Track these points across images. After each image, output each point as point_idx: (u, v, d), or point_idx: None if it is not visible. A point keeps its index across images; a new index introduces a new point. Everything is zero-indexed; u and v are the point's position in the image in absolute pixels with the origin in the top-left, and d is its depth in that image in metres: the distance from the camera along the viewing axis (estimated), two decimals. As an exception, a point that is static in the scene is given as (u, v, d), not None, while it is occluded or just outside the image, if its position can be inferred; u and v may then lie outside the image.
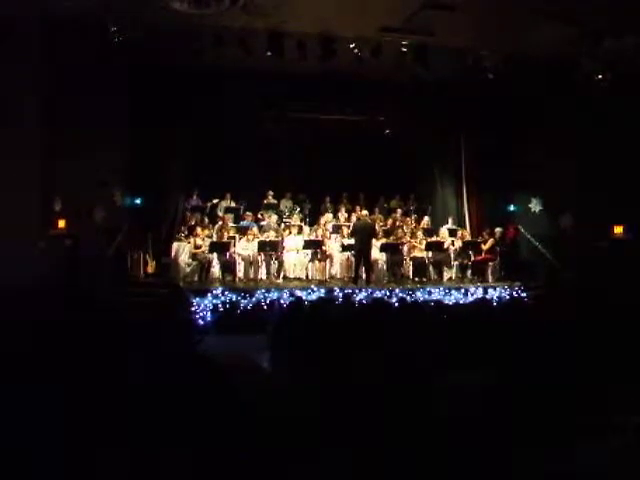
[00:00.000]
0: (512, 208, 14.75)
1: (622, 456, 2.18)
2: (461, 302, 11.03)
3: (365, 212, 13.58)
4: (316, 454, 2.20)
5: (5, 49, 9.35)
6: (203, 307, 10.21)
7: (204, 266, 12.26)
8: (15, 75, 9.46)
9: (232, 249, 12.52)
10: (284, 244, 13.03)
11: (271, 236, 13.03)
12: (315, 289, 11.10)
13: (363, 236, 12.20)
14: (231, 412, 2.27)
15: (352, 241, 12.65)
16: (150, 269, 12.74)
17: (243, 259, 12.52)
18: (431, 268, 13.36)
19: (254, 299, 10.64)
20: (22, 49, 9.53)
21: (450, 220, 14.66)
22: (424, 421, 2.44)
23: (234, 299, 10.55)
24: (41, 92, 9.80)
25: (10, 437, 2.01)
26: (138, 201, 13.12)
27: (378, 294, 11.07)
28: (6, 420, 2.07)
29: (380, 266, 13.00)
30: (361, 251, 12.20)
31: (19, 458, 1.96)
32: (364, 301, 10.34)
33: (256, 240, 12.63)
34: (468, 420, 2.39)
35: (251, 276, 12.43)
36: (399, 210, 15.29)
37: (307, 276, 12.84)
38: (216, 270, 12.50)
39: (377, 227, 13.57)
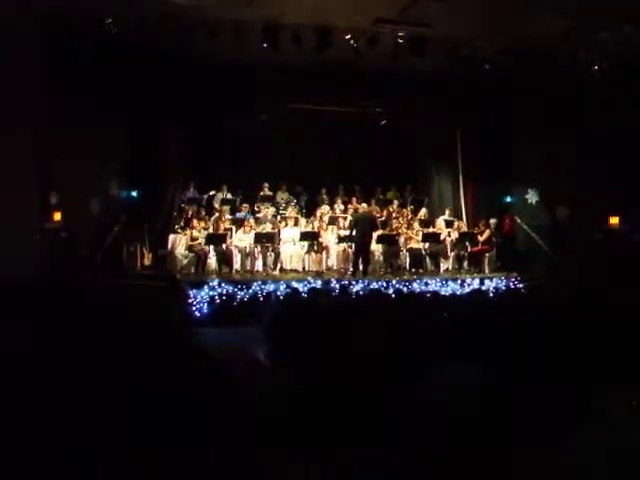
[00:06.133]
0: (509, 199, 14.77)
1: (621, 451, 2.19)
2: (458, 293, 11.04)
3: (364, 204, 13.61)
4: (316, 451, 2.21)
5: (5, 49, 9.32)
6: (200, 299, 10.21)
7: (200, 258, 12.26)
8: (14, 74, 9.43)
9: (229, 241, 12.52)
10: (280, 236, 13.04)
11: (267, 228, 13.03)
12: (312, 281, 11.10)
13: (364, 228, 12.19)
14: (231, 408, 2.28)
15: (348, 232, 12.68)
16: (147, 261, 12.74)
17: (240, 251, 12.52)
18: (428, 259, 13.38)
19: (251, 291, 10.64)
20: (21, 49, 9.51)
21: (447, 211, 14.65)
22: (424, 416, 2.45)
23: (231, 291, 10.55)
24: (39, 89, 9.78)
25: (10, 437, 2.01)
26: (134, 193, 13.10)
27: (375, 285, 11.09)
28: (6, 419, 2.07)
29: (377, 257, 13.01)
30: (361, 243, 12.19)
31: (19, 458, 1.96)
32: (361, 292, 10.34)
33: (252, 232, 12.64)
34: (467, 415, 2.40)
35: (248, 268, 12.43)
36: (396, 201, 15.29)
37: (304, 268, 12.83)
38: (213, 262, 12.50)
39: (374, 218, 13.60)
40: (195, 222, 12.74)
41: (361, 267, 12.19)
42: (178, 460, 2.05)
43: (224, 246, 12.36)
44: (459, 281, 11.90)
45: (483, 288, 11.30)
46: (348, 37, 11.08)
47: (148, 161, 12.95)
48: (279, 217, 14.21)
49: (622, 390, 2.53)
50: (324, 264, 12.93)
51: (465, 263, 13.33)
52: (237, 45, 10.85)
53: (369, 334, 3.91)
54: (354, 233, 12.42)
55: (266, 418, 2.35)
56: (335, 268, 13.16)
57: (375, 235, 12.73)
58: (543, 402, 2.49)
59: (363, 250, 12.22)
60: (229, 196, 14.84)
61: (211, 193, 14.79)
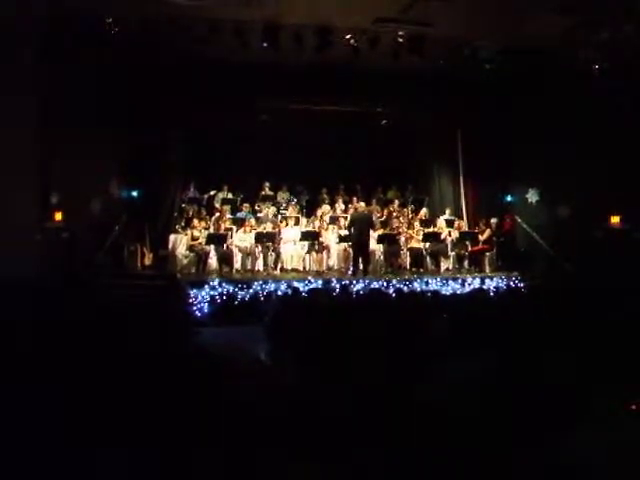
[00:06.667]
0: (509, 199, 14.77)
1: (621, 449, 2.19)
2: (458, 292, 11.05)
3: (362, 204, 13.59)
4: (316, 451, 2.22)
5: (5, 49, 9.32)
6: (200, 299, 10.23)
7: (201, 258, 12.26)
8: (14, 74, 9.43)
9: (229, 241, 12.52)
10: (281, 235, 13.04)
11: (268, 227, 13.03)
12: (312, 280, 11.10)
13: (362, 227, 12.18)
14: (231, 408, 2.28)
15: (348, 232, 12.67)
16: (147, 261, 12.74)
17: (240, 250, 12.52)
18: (428, 259, 13.38)
19: (251, 290, 10.65)
20: (21, 49, 9.51)
21: (447, 211, 14.65)
22: (425, 416, 2.45)
23: (231, 291, 10.56)
24: (39, 89, 9.78)
25: (10, 437, 2.02)
26: (135, 193, 13.11)
27: (375, 285, 11.09)
28: (6, 420, 2.07)
29: (377, 257, 13.01)
30: (359, 243, 12.19)
31: (19, 458, 1.96)
32: (361, 292, 10.35)
33: (253, 231, 12.64)
34: (467, 415, 2.40)
35: (248, 267, 12.43)
36: (396, 201, 15.29)
37: (304, 267, 12.84)
38: (213, 262, 12.49)
39: (374, 218, 13.57)
40: (196, 222, 12.76)
41: (361, 267, 12.18)
42: (178, 460, 2.05)
43: (225, 246, 12.36)
44: (460, 280, 11.91)
45: (484, 287, 11.32)
46: (348, 37, 11.08)
47: (148, 161, 12.95)
48: (280, 217, 14.20)
49: (622, 390, 2.54)
50: (325, 264, 12.94)
51: (466, 262, 13.34)
52: (237, 45, 10.85)
53: (369, 333, 3.91)
54: (352, 232, 12.42)
55: (266, 418, 2.35)
56: (336, 268, 13.16)
57: (375, 234, 12.73)
58: (543, 402, 2.49)
59: (361, 249, 12.22)
60: (230, 196, 14.84)
61: (212, 193, 14.79)
